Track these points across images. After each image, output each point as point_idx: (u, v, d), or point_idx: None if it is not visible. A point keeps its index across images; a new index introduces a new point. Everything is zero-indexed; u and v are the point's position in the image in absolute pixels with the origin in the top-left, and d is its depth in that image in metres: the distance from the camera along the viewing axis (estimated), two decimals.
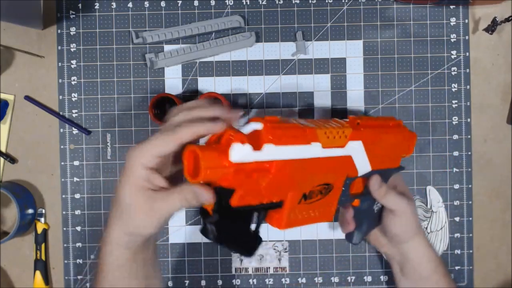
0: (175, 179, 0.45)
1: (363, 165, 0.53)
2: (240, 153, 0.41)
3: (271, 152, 0.44)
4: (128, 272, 0.46)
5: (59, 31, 0.67)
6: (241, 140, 0.41)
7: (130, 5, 0.67)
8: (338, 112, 0.67)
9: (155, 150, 0.42)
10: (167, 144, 0.42)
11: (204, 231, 0.43)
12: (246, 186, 0.43)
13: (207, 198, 0.41)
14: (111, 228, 0.45)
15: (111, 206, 0.45)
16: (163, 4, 0.67)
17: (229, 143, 0.42)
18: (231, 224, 0.43)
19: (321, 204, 0.51)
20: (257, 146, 0.43)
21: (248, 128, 0.43)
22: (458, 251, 0.68)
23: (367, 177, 0.55)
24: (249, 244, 0.46)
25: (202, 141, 0.46)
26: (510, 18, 0.64)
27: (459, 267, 0.68)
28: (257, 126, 0.43)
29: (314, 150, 0.47)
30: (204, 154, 0.40)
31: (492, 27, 0.64)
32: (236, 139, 0.42)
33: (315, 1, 0.67)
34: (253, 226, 0.46)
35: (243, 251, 0.46)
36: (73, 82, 0.67)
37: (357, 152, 0.52)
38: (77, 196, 0.67)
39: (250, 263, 0.68)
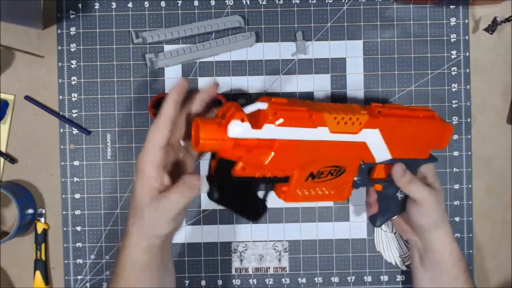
0: (176, 174, 0.48)
1: (381, 153, 0.53)
2: (238, 129, 0.44)
3: (272, 131, 0.46)
4: (147, 274, 0.48)
5: (59, 31, 0.67)
6: (241, 118, 0.44)
7: (130, 5, 0.67)
8: None
9: (155, 141, 0.46)
10: (160, 129, 0.46)
11: (210, 194, 0.47)
12: (247, 159, 0.46)
13: (200, 188, 0.45)
14: (129, 231, 0.48)
15: (129, 211, 0.48)
16: (163, 4, 0.67)
17: (230, 119, 0.44)
18: (235, 190, 0.47)
19: (333, 184, 0.52)
20: (258, 125, 0.45)
21: (253, 107, 0.46)
22: None
23: (390, 164, 0.54)
24: (254, 209, 0.49)
25: None
26: (511, 18, 0.64)
27: None
28: (262, 106, 0.46)
29: (320, 134, 0.48)
30: (203, 126, 0.44)
31: (492, 27, 0.64)
32: (236, 116, 0.44)
33: (315, 1, 0.67)
34: (261, 194, 0.50)
35: (247, 215, 0.49)
36: (73, 82, 0.67)
37: (373, 140, 0.52)
38: (77, 196, 0.67)
39: (250, 263, 0.68)
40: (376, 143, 0.52)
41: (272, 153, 0.46)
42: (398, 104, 0.59)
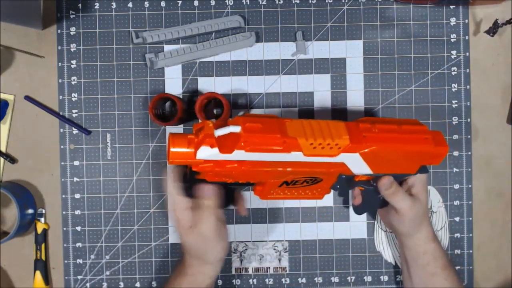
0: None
1: (361, 169, 0.53)
2: (206, 153, 0.46)
3: (242, 155, 0.47)
4: None
5: (59, 31, 0.67)
6: (210, 144, 0.46)
7: (130, 5, 0.67)
8: (338, 112, 0.67)
9: (178, 193, 0.51)
10: (176, 185, 0.51)
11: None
12: (217, 172, 0.48)
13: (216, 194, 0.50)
14: (188, 268, 0.54)
15: (184, 256, 0.55)
16: (163, 4, 0.67)
17: (201, 141, 0.46)
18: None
19: (308, 188, 0.52)
20: (228, 148, 0.46)
21: (225, 131, 0.47)
22: (458, 251, 0.68)
23: (372, 176, 0.55)
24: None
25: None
26: None
27: (459, 267, 0.68)
28: (235, 129, 0.47)
29: (294, 157, 0.48)
30: (173, 144, 0.46)
31: (493, 29, 0.64)
32: (205, 142, 0.46)
33: (315, 1, 0.67)
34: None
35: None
36: (73, 82, 0.67)
37: (352, 161, 0.51)
38: (77, 196, 0.67)
39: (250, 263, 0.68)
40: (355, 163, 0.52)
41: (242, 168, 0.48)
42: (392, 121, 0.56)
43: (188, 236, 0.51)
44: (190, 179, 0.50)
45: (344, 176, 0.53)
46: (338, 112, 0.67)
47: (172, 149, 0.46)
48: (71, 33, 0.67)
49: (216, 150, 0.46)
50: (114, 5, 0.67)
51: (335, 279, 0.68)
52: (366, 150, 0.50)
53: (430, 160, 0.55)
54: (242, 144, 0.46)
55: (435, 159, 0.55)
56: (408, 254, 0.60)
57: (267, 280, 0.68)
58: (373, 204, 0.59)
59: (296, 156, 0.48)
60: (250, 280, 0.68)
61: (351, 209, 0.67)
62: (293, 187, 0.52)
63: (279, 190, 0.52)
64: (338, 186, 0.54)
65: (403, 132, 0.53)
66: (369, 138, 0.51)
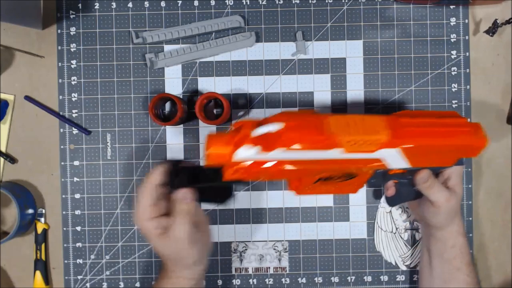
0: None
1: (399, 164, 0.51)
2: (246, 153, 0.44)
3: (282, 154, 0.45)
4: None
5: (59, 31, 0.67)
6: (253, 143, 0.44)
7: (130, 5, 0.67)
8: (338, 112, 0.67)
9: (144, 203, 0.49)
10: (145, 195, 0.50)
11: (172, 183, 0.50)
12: (252, 172, 0.45)
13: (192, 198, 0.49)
14: (164, 277, 0.53)
15: (162, 261, 0.54)
16: (163, 4, 0.67)
17: (240, 140, 0.44)
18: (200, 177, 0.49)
19: (345, 183, 0.51)
20: (269, 146, 0.44)
21: (264, 130, 0.45)
22: None
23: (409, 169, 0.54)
24: (221, 193, 0.51)
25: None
26: (511, 20, 0.64)
27: None
28: (275, 128, 0.45)
29: (333, 154, 0.47)
30: (210, 143, 0.45)
31: (493, 29, 0.64)
32: (246, 141, 0.44)
33: (315, 1, 0.67)
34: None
35: (213, 199, 0.51)
36: (73, 82, 0.67)
37: (390, 156, 0.50)
38: (77, 196, 0.67)
39: (250, 263, 0.68)
40: (394, 158, 0.50)
41: (279, 168, 0.46)
42: (432, 113, 0.55)
43: (159, 243, 0.50)
44: (174, 185, 0.49)
45: (380, 171, 0.52)
46: (338, 112, 0.67)
47: (209, 149, 0.44)
48: (71, 33, 0.67)
49: (256, 149, 0.44)
50: (114, 5, 0.67)
51: (335, 279, 0.68)
52: (406, 146, 0.49)
53: (468, 152, 0.54)
54: (283, 142, 0.44)
55: (473, 152, 0.54)
56: (435, 246, 0.59)
57: (267, 280, 0.68)
58: (407, 196, 0.59)
59: (336, 153, 0.47)
60: (250, 280, 0.68)
61: (351, 209, 0.67)
62: (330, 183, 0.50)
63: (314, 185, 0.50)
64: (373, 181, 0.53)
65: (443, 126, 0.52)
66: (409, 132, 0.50)
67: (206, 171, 0.48)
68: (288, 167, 0.46)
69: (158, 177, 0.49)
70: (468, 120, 0.55)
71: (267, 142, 0.45)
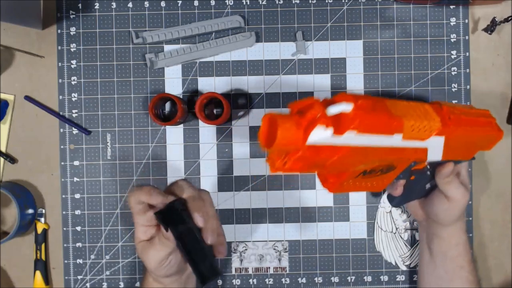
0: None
1: (435, 156, 0.51)
2: (320, 136, 0.39)
3: (351, 138, 0.41)
4: None
5: (59, 31, 0.67)
6: (326, 124, 0.39)
7: (130, 5, 0.67)
8: None
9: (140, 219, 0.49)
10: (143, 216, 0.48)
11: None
12: (307, 161, 0.41)
13: (172, 241, 0.46)
14: (147, 277, 0.53)
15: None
16: (163, 4, 0.67)
17: (312, 121, 0.39)
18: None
19: (378, 178, 0.49)
20: (339, 130, 0.40)
21: (337, 109, 0.40)
22: None
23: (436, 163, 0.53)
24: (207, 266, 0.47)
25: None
26: (510, 18, 0.64)
27: None
28: (347, 107, 0.40)
29: (393, 141, 0.45)
30: (282, 126, 0.38)
31: (491, 27, 0.64)
32: (321, 121, 0.39)
33: (315, 1, 0.67)
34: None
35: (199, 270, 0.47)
36: (73, 82, 0.67)
37: (435, 145, 0.50)
38: (77, 196, 0.67)
39: (250, 263, 0.68)
40: (436, 148, 0.50)
41: (335, 157, 0.42)
42: (463, 106, 0.55)
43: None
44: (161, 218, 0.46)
45: (413, 164, 0.51)
46: None
47: (281, 131, 0.37)
48: (71, 33, 0.67)
49: (330, 131, 0.39)
50: (114, 5, 0.67)
51: (335, 279, 0.68)
52: (451, 134, 0.49)
53: (486, 145, 0.55)
54: (357, 125, 0.40)
55: (490, 144, 0.55)
56: (438, 245, 0.59)
57: (267, 280, 0.68)
58: (415, 194, 0.58)
59: (396, 139, 0.44)
60: (250, 280, 0.68)
61: (351, 209, 0.67)
62: (367, 177, 0.48)
63: (351, 181, 0.47)
64: (400, 176, 0.52)
65: (476, 115, 0.52)
66: (453, 120, 0.49)
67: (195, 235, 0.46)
68: (342, 155, 0.41)
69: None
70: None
71: (338, 124, 0.40)
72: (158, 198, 0.46)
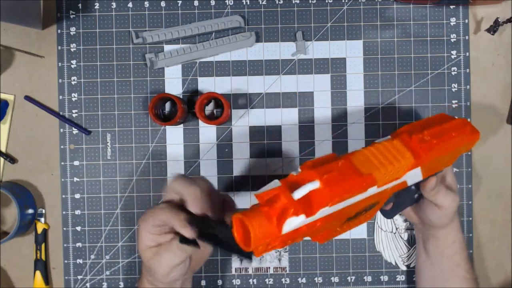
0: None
1: (415, 179, 0.51)
2: (293, 224, 0.39)
3: (326, 211, 0.41)
4: None
5: (59, 31, 0.67)
6: (296, 212, 0.39)
7: (130, 5, 0.67)
8: (338, 112, 0.67)
9: (152, 222, 0.46)
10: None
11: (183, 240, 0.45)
12: (286, 239, 0.41)
13: (190, 251, 0.46)
14: (142, 280, 0.51)
15: (142, 264, 0.51)
16: (163, 4, 0.67)
17: (282, 211, 0.39)
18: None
19: (362, 217, 0.50)
20: (311, 210, 0.40)
21: (303, 192, 0.40)
22: None
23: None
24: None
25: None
26: None
27: None
28: (314, 186, 0.40)
29: (369, 193, 0.45)
30: (253, 226, 0.38)
31: (494, 28, 0.64)
32: (291, 213, 0.39)
33: (315, 1, 0.67)
34: None
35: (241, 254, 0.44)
36: (73, 82, 0.67)
37: (413, 176, 0.49)
38: (77, 196, 0.67)
39: (250, 263, 0.68)
40: (414, 176, 0.50)
41: (318, 224, 0.42)
42: (429, 122, 0.54)
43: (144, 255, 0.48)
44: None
45: (396, 193, 0.51)
46: (338, 112, 0.67)
47: (254, 232, 0.38)
48: (71, 33, 0.67)
49: (302, 217, 0.39)
50: (114, 5, 0.67)
51: (335, 279, 0.68)
52: (426, 161, 0.49)
53: (465, 149, 0.55)
54: (329, 200, 0.40)
55: (469, 147, 0.55)
56: (434, 245, 0.59)
57: (267, 280, 0.68)
58: (404, 204, 0.58)
59: (371, 191, 0.45)
60: (250, 280, 0.68)
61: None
62: (352, 220, 0.48)
63: (339, 228, 0.48)
64: (386, 202, 0.52)
65: (447, 131, 0.52)
66: (425, 148, 0.49)
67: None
68: (321, 223, 0.42)
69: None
70: (456, 117, 0.55)
71: (309, 204, 0.40)
72: (177, 225, 0.44)
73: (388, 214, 0.59)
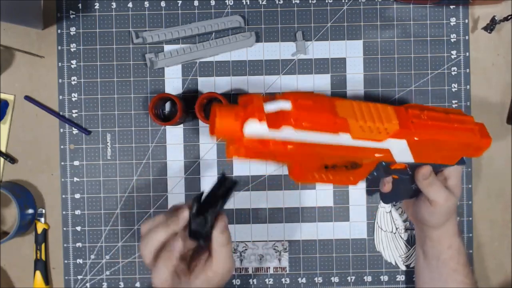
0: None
1: (404, 157, 0.51)
2: (254, 129, 0.42)
3: (290, 133, 0.43)
4: None
5: (59, 31, 0.67)
6: (259, 118, 0.42)
7: (130, 5, 0.67)
8: None
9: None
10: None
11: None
12: (259, 149, 0.44)
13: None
14: None
15: None
16: (163, 4, 0.67)
17: (249, 115, 0.43)
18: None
19: (345, 173, 0.50)
20: (277, 125, 0.43)
21: (275, 106, 0.43)
22: None
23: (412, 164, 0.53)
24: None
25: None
26: (509, 17, 0.64)
27: None
28: (285, 105, 0.43)
29: (341, 140, 0.46)
30: (220, 117, 0.42)
31: (491, 26, 0.64)
32: (254, 116, 0.42)
33: (315, 1, 0.67)
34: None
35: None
36: (73, 82, 0.67)
37: (398, 148, 0.49)
38: (77, 196, 0.67)
39: (250, 263, 0.68)
40: (400, 151, 0.50)
41: (287, 147, 0.44)
42: (439, 109, 0.54)
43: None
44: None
45: (384, 164, 0.51)
46: None
47: (219, 120, 0.42)
48: (71, 33, 0.67)
49: (264, 125, 0.42)
50: (114, 5, 0.67)
51: (335, 279, 0.68)
52: (414, 138, 0.49)
53: (472, 152, 0.54)
54: (292, 121, 0.43)
55: (477, 151, 0.54)
56: (431, 248, 0.59)
57: (267, 280, 0.68)
58: (403, 193, 0.58)
59: (344, 138, 0.46)
60: (250, 280, 0.68)
61: (351, 209, 0.67)
62: (330, 171, 0.49)
63: (316, 173, 0.49)
64: (375, 173, 0.52)
65: (451, 121, 0.52)
66: (417, 124, 0.49)
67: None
68: (291, 147, 0.44)
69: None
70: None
71: (276, 120, 0.43)
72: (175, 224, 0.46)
73: (385, 198, 0.60)
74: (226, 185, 0.47)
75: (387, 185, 0.58)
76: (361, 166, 0.50)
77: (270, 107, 0.43)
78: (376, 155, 0.49)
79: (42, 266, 0.67)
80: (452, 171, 0.57)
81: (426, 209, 0.57)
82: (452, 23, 0.68)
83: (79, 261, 0.67)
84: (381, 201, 0.65)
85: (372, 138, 0.47)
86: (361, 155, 0.48)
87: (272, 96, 0.45)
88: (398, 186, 0.58)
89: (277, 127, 0.43)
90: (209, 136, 0.50)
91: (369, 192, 0.63)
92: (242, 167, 0.67)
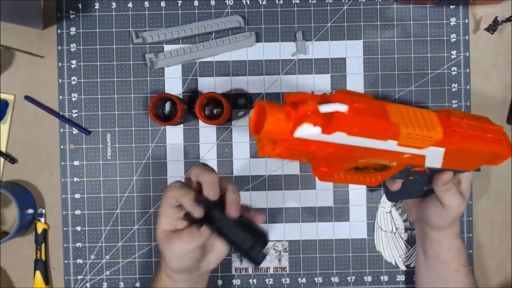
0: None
1: (434, 163, 0.50)
2: (307, 132, 0.40)
3: (341, 138, 0.41)
4: None
5: (59, 31, 0.67)
6: (314, 122, 0.40)
7: (130, 5, 0.67)
8: None
9: (172, 202, 0.47)
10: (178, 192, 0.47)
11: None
12: (298, 150, 0.42)
13: (205, 236, 0.47)
14: (159, 273, 0.53)
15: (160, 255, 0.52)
16: (163, 4, 0.67)
17: (303, 116, 0.40)
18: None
19: (372, 175, 0.49)
20: (329, 128, 0.40)
21: (331, 108, 0.40)
22: None
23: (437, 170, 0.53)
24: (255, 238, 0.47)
25: None
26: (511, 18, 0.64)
27: None
28: (342, 108, 0.40)
29: (387, 145, 0.44)
30: (271, 116, 0.39)
31: (493, 27, 0.64)
32: (309, 119, 0.40)
33: (315, 1, 0.67)
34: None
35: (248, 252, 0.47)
36: (73, 82, 0.67)
37: (433, 155, 0.49)
38: (77, 196, 0.67)
39: (250, 263, 0.68)
40: (435, 157, 0.49)
41: (329, 150, 0.42)
42: (475, 118, 0.53)
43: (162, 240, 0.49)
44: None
45: (410, 167, 0.51)
46: None
47: (269, 120, 0.38)
48: (71, 33, 0.67)
49: (318, 129, 0.40)
50: (114, 5, 0.67)
51: (335, 279, 0.68)
52: (452, 147, 0.48)
53: (493, 160, 0.54)
54: (348, 127, 0.40)
55: (497, 160, 0.54)
56: (431, 248, 0.59)
57: (267, 280, 0.68)
58: (412, 193, 0.58)
59: (390, 144, 0.44)
60: (250, 280, 0.68)
61: (351, 209, 0.67)
62: (360, 173, 0.48)
63: (343, 174, 0.48)
64: (397, 175, 0.52)
65: (485, 131, 0.51)
66: (458, 133, 0.48)
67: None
68: (331, 150, 0.42)
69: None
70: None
71: (328, 123, 0.40)
72: (194, 208, 0.46)
73: (391, 197, 0.59)
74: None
75: (396, 184, 0.57)
76: (390, 169, 0.49)
77: (325, 109, 0.40)
78: (412, 161, 0.49)
79: (42, 266, 0.67)
80: (465, 175, 0.57)
81: (435, 210, 0.56)
82: (452, 23, 0.68)
83: (79, 261, 0.67)
84: (381, 201, 0.64)
85: (416, 146, 0.46)
86: (396, 160, 0.48)
87: (323, 96, 0.42)
88: (408, 186, 0.57)
89: (330, 132, 0.40)
90: (249, 134, 0.46)
91: (371, 188, 0.62)
92: (242, 167, 0.67)
